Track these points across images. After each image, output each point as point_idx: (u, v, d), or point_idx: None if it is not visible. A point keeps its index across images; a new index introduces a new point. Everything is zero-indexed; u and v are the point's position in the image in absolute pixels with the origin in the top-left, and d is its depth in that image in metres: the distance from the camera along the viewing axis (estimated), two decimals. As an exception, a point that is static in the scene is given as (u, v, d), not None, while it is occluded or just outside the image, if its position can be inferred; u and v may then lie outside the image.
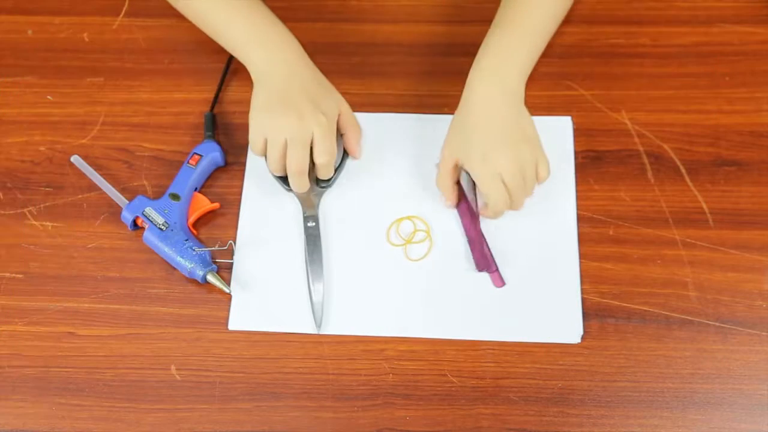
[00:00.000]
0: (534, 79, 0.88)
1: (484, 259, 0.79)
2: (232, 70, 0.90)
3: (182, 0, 0.85)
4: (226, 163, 0.86)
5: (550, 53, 0.90)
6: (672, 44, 0.91)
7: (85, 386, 0.77)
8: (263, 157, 0.81)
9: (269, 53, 0.82)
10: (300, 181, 0.80)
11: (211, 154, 0.84)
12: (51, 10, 0.95)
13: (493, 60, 0.79)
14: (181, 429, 0.75)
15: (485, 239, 0.80)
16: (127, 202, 0.82)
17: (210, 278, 0.79)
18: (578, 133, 0.87)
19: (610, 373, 0.76)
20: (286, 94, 0.79)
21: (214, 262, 0.80)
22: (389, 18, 0.94)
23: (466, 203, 0.81)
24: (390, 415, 0.75)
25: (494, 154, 0.76)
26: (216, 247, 0.81)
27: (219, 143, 0.85)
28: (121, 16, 0.94)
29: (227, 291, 0.79)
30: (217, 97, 0.88)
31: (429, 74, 0.90)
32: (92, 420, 0.75)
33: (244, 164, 0.86)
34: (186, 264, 0.78)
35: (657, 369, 0.76)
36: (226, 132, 0.88)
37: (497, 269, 0.79)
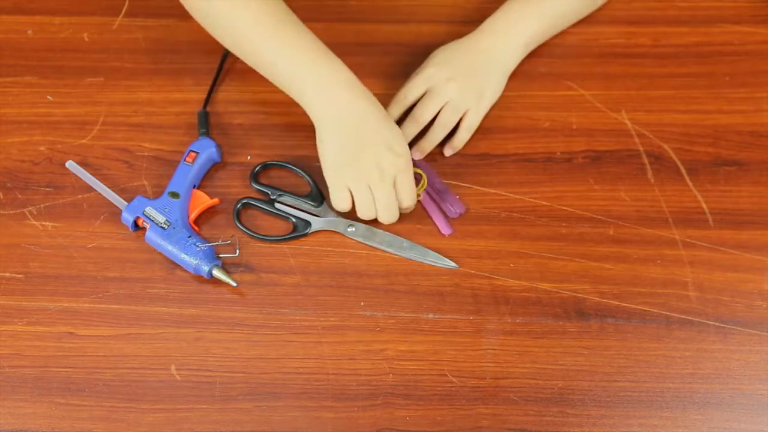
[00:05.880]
0: (534, 79, 0.89)
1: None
2: (225, 69, 0.90)
3: (220, 28, 0.82)
4: (222, 160, 0.86)
5: (550, 53, 0.90)
6: (672, 44, 0.91)
7: (85, 386, 0.77)
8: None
9: (328, 92, 0.78)
10: (390, 220, 0.81)
11: (207, 150, 0.84)
12: (51, 10, 0.95)
13: (504, 20, 0.86)
14: (181, 429, 0.75)
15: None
16: (126, 203, 0.82)
17: (216, 273, 0.79)
18: (578, 132, 0.87)
19: (610, 373, 0.76)
20: (358, 143, 0.78)
21: (218, 257, 0.80)
22: (389, 18, 0.94)
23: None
24: (390, 415, 0.75)
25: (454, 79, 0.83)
26: (219, 242, 0.81)
27: (213, 140, 0.85)
28: (121, 16, 0.94)
29: (234, 284, 0.79)
30: (209, 94, 0.88)
31: (429, 74, 0.90)
32: (92, 420, 0.75)
33: (242, 162, 0.86)
34: (191, 260, 0.78)
35: (657, 369, 0.76)
36: (224, 131, 0.88)
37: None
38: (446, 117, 0.84)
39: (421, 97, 0.85)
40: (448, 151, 0.85)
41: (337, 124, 0.78)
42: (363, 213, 0.80)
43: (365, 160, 0.78)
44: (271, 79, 0.82)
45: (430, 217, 0.82)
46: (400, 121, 0.85)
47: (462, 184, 0.84)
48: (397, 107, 0.85)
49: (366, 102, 0.78)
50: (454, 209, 0.82)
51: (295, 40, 0.79)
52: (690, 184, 0.84)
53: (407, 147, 0.79)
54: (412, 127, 0.84)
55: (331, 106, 0.78)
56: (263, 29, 0.80)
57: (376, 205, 0.79)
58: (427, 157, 0.85)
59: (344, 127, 0.78)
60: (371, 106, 0.79)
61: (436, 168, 0.85)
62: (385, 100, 0.87)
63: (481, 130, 0.86)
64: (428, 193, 0.83)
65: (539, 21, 0.86)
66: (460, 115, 0.84)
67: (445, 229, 0.82)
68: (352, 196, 0.79)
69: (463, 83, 0.83)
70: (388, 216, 0.80)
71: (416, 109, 0.84)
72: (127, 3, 0.95)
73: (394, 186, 0.78)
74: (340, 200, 0.80)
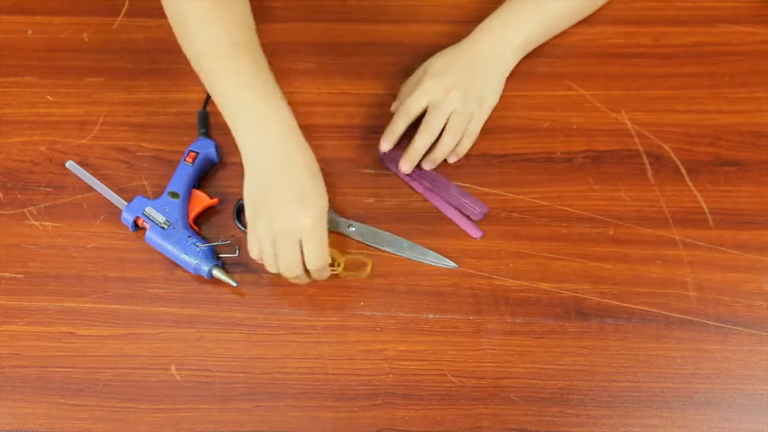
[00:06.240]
0: (534, 79, 0.89)
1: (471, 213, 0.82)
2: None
3: (184, 41, 0.79)
4: (222, 161, 0.86)
5: (550, 53, 0.90)
6: (672, 44, 0.91)
7: (85, 386, 0.77)
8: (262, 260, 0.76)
9: (259, 129, 0.74)
10: (299, 281, 0.76)
11: (206, 150, 0.84)
12: (51, 10, 0.95)
13: (501, 20, 0.86)
14: (181, 429, 0.75)
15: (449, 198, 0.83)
16: (126, 203, 0.82)
17: (216, 273, 0.79)
18: (578, 132, 0.87)
19: (610, 373, 0.76)
20: (271, 189, 0.73)
21: (218, 257, 0.80)
22: (389, 18, 0.93)
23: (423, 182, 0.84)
24: (390, 415, 0.75)
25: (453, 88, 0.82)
26: (219, 242, 0.81)
27: (213, 140, 0.85)
28: (121, 16, 0.94)
29: (234, 284, 0.79)
30: (209, 95, 0.88)
31: (429, 74, 0.90)
32: (92, 420, 0.75)
33: (242, 163, 0.85)
34: (190, 260, 0.78)
35: (657, 369, 0.76)
36: (224, 131, 0.87)
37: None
38: (455, 125, 0.82)
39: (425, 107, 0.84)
40: (452, 159, 0.85)
41: (259, 165, 0.73)
42: (267, 266, 0.75)
43: (273, 210, 0.72)
44: (218, 106, 0.77)
45: (457, 225, 0.82)
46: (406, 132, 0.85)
47: (462, 184, 0.84)
48: (402, 122, 0.83)
49: (294, 149, 0.73)
50: (478, 210, 0.82)
51: (244, 67, 0.75)
52: (690, 184, 0.84)
53: (322, 206, 0.73)
54: (427, 138, 0.83)
55: (258, 143, 0.74)
56: (216, 52, 0.76)
57: (278, 261, 0.74)
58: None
59: (264, 170, 0.73)
60: (300, 154, 0.73)
61: (437, 169, 0.85)
62: (386, 100, 0.87)
63: (481, 130, 0.86)
64: (447, 201, 0.83)
65: (538, 21, 0.86)
66: (468, 120, 0.83)
67: (474, 233, 0.81)
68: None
69: (464, 90, 0.83)
70: (291, 276, 0.75)
71: (424, 125, 0.82)
72: (127, 3, 0.95)
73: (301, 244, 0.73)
74: (251, 248, 0.75)
